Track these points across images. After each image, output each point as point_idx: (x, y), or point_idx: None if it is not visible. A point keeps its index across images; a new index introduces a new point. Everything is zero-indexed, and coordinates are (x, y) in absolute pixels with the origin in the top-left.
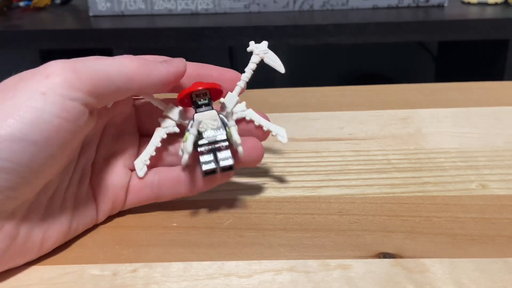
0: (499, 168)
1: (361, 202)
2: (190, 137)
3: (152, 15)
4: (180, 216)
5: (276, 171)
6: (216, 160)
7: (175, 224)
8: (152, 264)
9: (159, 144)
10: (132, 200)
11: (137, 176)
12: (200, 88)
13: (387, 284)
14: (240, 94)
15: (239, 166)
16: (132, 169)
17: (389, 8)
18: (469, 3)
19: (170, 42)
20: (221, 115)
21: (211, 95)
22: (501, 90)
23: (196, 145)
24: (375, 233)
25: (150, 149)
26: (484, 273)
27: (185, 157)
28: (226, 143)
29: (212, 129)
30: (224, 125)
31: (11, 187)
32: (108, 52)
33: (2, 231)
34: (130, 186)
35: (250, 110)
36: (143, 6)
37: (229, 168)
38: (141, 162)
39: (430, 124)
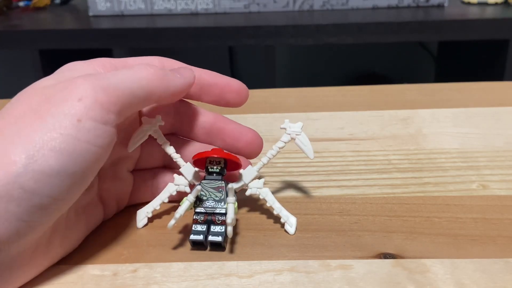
0: (500, 169)
1: (361, 202)
2: (186, 203)
3: (152, 15)
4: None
5: (277, 171)
6: (207, 232)
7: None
8: (152, 264)
9: (166, 200)
10: (133, 200)
11: (138, 179)
12: (215, 156)
13: (388, 285)
14: (260, 169)
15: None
16: (132, 171)
17: (389, 8)
18: (469, 3)
19: (170, 42)
20: (229, 187)
21: (227, 164)
22: (502, 90)
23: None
24: (376, 233)
25: (155, 203)
26: (485, 273)
27: (172, 222)
28: (223, 218)
29: (214, 200)
30: (227, 197)
31: (46, 220)
32: (108, 52)
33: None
34: (132, 189)
35: (266, 189)
36: (143, 6)
37: (217, 244)
38: (144, 213)
39: (430, 125)
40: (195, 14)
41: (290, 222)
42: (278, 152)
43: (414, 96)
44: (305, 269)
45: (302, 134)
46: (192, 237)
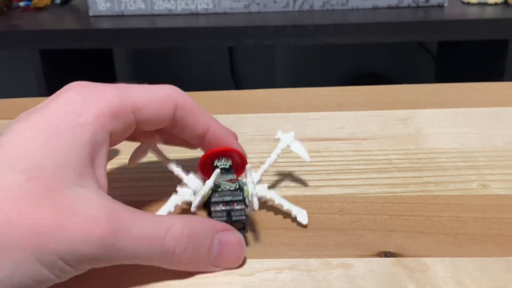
0: (500, 168)
1: (362, 201)
2: (206, 185)
3: (152, 15)
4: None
5: (277, 170)
6: (229, 217)
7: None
8: None
9: (173, 210)
10: None
11: None
12: (221, 150)
13: (389, 283)
14: (262, 174)
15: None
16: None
17: (389, 8)
18: (469, 3)
19: (170, 42)
20: (240, 181)
21: (233, 167)
22: (501, 91)
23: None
24: (376, 232)
25: (162, 212)
26: (485, 272)
27: (195, 203)
28: (242, 204)
29: (230, 190)
30: (242, 188)
31: None
32: (108, 52)
33: None
34: None
35: (272, 190)
36: (143, 6)
37: (241, 225)
38: None
39: (430, 124)
40: (195, 14)
41: (302, 214)
42: (275, 158)
43: (414, 96)
44: (306, 267)
45: (295, 141)
46: (216, 220)
